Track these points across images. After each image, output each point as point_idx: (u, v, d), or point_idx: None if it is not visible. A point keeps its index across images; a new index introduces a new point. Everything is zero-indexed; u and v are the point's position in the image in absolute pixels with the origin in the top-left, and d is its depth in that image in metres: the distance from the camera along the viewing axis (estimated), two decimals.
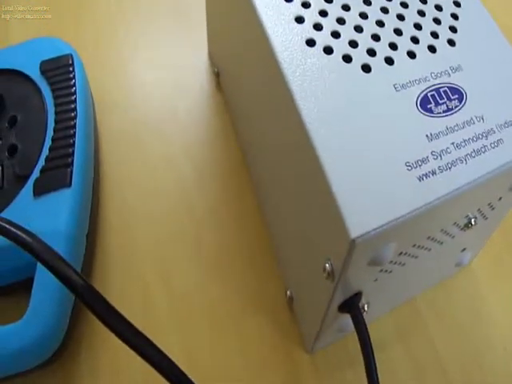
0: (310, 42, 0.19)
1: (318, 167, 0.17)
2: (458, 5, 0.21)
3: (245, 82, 0.27)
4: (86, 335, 0.26)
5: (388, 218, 0.16)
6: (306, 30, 0.19)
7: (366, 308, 0.23)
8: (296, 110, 0.18)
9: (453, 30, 0.21)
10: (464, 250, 0.26)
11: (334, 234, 0.17)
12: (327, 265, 0.19)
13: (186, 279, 0.28)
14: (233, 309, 0.27)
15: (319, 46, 0.19)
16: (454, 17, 0.21)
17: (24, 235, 0.19)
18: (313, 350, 0.26)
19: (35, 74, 0.27)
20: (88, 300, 0.19)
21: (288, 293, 0.27)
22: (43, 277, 0.23)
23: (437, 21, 0.21)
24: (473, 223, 0.21)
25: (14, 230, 0.20)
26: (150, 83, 0.34)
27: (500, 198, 0.21)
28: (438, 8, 0.21)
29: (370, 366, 0.20)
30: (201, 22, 0.34)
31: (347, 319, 0.22)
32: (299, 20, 0.20)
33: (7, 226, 0.20)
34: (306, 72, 0.19)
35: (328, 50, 0.19)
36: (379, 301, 0.24)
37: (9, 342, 0.22)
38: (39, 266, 0.23)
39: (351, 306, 0.21)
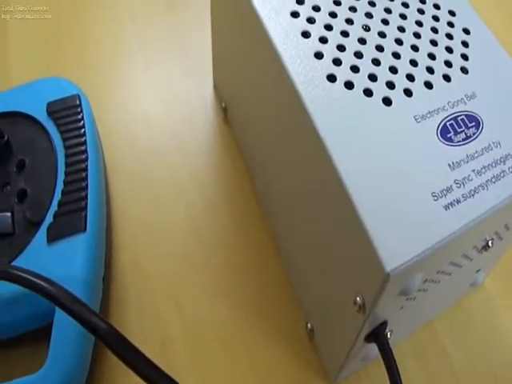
0: (331, 78, 0.20)
1: (348, 202, 0.18)
2: (467, 32, 0.23)
3: (257, 115, 0.28)
4: (106, 377, 0.27)
5: (420, 249, 0.17)
6: (326, 65, 0.20)
7: (389, 336, 0.24)
8: (322, 146, 0.19)
9: (464, 57, 0.22)
10: (479, 270, 0.27)
11: (367, 268, 0.18)
12: (358, 298, 0.19)
13: (200, 309, 0.29)
14: (249, 338, 0.28)
15: (340, 81, 0.20)
16: (465, 44, 0.22)
17: (44, 283, 0.20)
18: (336, 381, 0.27)
19: (42, 115, 0.28)
20: (114, 345, 0.19)
21: (309, 325, 0.27)
22: (62, 324, 0.23)
23: (449, 49, 0.22)
24: (490, 245, 0.22)
25: (33, 279, 0.20)
26: (155, 118, 0.35)
27: None
28: (449, 37, 0.22)
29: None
30: (204, 56, 0.36)
31: (372, 348, 0.23)
32: (318, 56, 0.21)
33: (25, 275, 0.21)
34: (329, 108, 0.20)
35: (349, 85, 0.20)
36: (402, 328, 0.25)
37: None
38: (57, 312, 0.23)
39: (377, 335, 0.22)
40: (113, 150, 0.33)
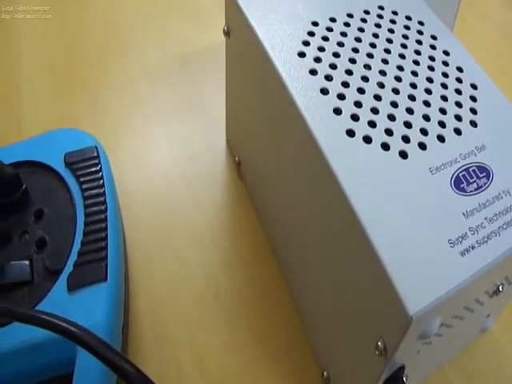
0: (350, 133, 0.23)
1: (371, 251, 0.21)
2: (474, 87, 0.26)
3: (272, 168, 0.31)
4: None
5: (439, 293, 0.20)
6: (345, 120, 0.24)
7: (405, 380, 0.26)
8: (344, 197, 0.22)
9: (473, 111, 0.25)
10: (488, 315, 0.29)
11: (390, 313, 0.20)
12: (379, 343, 0.22)
13: (220, 362, 0.31)
14: None
15: (359, 136, 0.23)
16: (473, 99, 0.26)
17: (76, 330, 0.22)
18: None
19: (60, 166, 0.31)
20: None
21: (325, 374, 0.30)
22: (83, 373, 0.25)
23: (458, 104, 0.25)
24: (500, 290, 0.25)
25: (63, 324, 0.23)
26: (170, 173, 0.39)
27: None
28: (458, 92, 0.25)
29: None
30: (217, 113, 0.41)
31: None
32: (337, 111, 0.24)
33: (56, 320, 0.23)
34: (349, 161, 0.22)
35: (367, 140, 0.23)
36: (416, 373, 0.27)
37: None
38: (78, 360, 0.26)
39: (395, 380, 0.24)
40: (129, 204, 0.37)
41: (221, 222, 0.37)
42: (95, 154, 0.31)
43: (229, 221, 0.37)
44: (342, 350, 0.27)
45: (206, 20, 0.50)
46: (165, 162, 0.40)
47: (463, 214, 0.22)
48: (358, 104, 0.24)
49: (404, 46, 0.27)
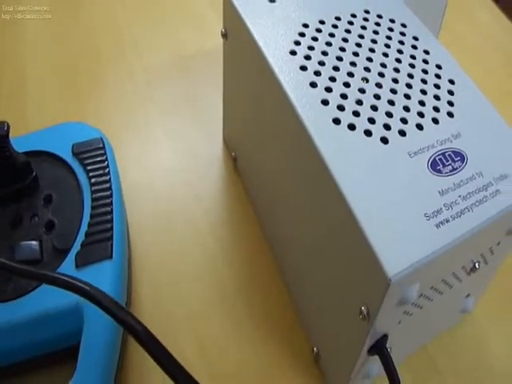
0: (336, 121, 0.26)
1: (353, 219, 0.23)
2: (452, 83, 0.29)
3: (266, 161, 0.34)
4: None
5: (416, 259, 0.22)
6: (332, 110, 0.27)
7: (389, 351, 0.28)
8: (330, 175, 0.24)
9: (450, 104, 0.28)
10: (468, 295, 0.32)
11: (371, 278, 0.23)
12: (363, 307, 0.24)
13: (218, 342, 0.34)
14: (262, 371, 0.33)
15: (344, 124, 0.26)
16: (451, 93, 0.28)
17: (90, 288, 0.25)
18: None
19: (68, 155, 0.33)
20: (148, 343, 0.24)
21: (315, 349, 0.32)
22: (89, 344, 0.28)
23: (437, 97, 0.28)
24: (477, 267, 0.27)
25: (82, 285, 0.25)
26: (170, 168, 0.42)
27: (498, 243, 0.27)
28: (437, 86, 0.28)
29: None
30: (214, 112, 0.44)
31: (373, 364, 0.28)
32: (325, 102, 0.27)
33: (77, 282, 0.25)
34: (335, 146, 0.25)
35: (351, 127, 0.26)
36: (400, 346, 0.30)
37: None
38: (85, 332, 0.28)
39: (380, 347, 0.26)
40: (131, 196, 0.39)
41: (217, 212, 0.39)
42: (101, 145, 0.34)
43: (225, 210, 0.40)
44: (329, 322, 0.30)
45: (203, 25, 0.53)
46: (164, 157, 0.42)
47: (439, 192, 0.25)
48: (343, 96, 0.27)
49: (387, 46, 0.30)
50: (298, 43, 0.30)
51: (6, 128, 0.30)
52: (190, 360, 0.33)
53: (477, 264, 0.27)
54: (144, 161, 0.42)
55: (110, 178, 0.32)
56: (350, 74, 0.28)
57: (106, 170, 0.33)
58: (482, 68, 0.51)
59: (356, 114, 0.27)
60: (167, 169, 0.42)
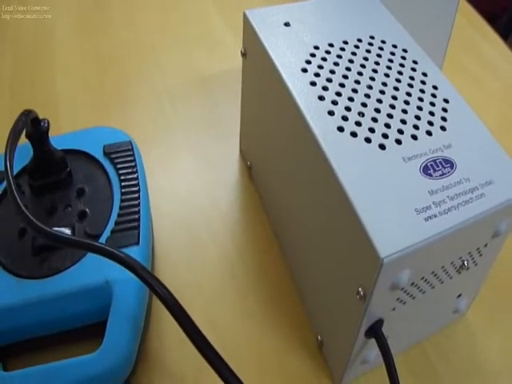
0: (340, 129, 0.31)
1: (352, 209, 0.28)
2: (446, 101, 0.33)
3: (279, 170, 0.39)
4: (151, 366, 0.36)
5: (405, 245, 0.27)
6: (337, 120, 0.31)
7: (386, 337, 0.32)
8: (334, 174, 0.29)
9: (443, 119, 0.32)
10: (460, 295, 0.36)
11: (366, 260, 0.27)
12: (360, 289, 0.28)
13: (233, 330, 0.38)
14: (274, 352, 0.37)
15: (347, 132, 0.31)
16: (444, 110, 0.33)
17: (127, 258, 0.30)
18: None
19: (99, 155, 0.38)
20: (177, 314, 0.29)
21: (319, 338, 0.36)
22: (117, 320, 0.32)
23: (431, 113, 0.32)
24: (466, 265, 0.31)
25: (119, 254, 0.30)
26: (191, 175, 0.47)
27: (486, 245, 0.31)
28: (432, 104, 0.33)
29: (392, 373, 0.30)
30: (231, 125, 0.50)
31: (370, 349, 0.32)
32: (331, 113, 0.32)
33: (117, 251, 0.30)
34: (339, 150, 0.30)
35: (354, 134, 0.31)
36: (396, 338, 0.34)
37: (86, 370, 0.30)
38: (112, 310, 0.32)
39: (376, 330, 0.30)
40: (155, 201, 0.43)
41: (233, 214, 0.44)
42: (130, 147, 0.39)
43: (240, 212, 0.45)
44: (330, 306, 0.34)
45: (221, 47, 0.60)
46: (186, 166, 0.48)
47: (429, 191, 0.29)
48: (347, 108, 0.32)
49: (389, 68, 0.35)
50: (309, 62, 0.35)
51: (46, 125, 0.35)
52: None
53: (466, 262, 0.31)
54: (166, 169, 0.47)
55: (137, 176, 0.37)
56: (354, 91, 0.33)
57: (134, 169, 0.37)
58: (484, 95, 0.56)
59: (358, 123, 0.31)
60: (188, 175, 0.47)
